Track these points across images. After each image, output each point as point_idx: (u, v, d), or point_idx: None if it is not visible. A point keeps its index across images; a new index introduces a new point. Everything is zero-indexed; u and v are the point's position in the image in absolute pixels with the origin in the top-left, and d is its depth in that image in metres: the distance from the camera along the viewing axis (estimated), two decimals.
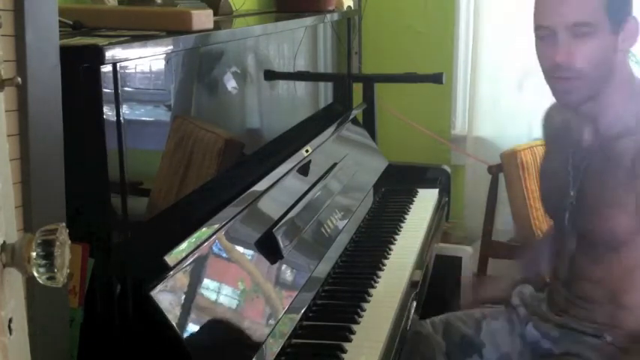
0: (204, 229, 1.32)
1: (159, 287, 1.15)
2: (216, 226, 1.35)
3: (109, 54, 1.08)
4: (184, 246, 1.25)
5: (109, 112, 1.10)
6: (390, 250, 1.95)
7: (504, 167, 2.73)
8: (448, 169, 2.62)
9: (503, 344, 1.80)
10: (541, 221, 2.69)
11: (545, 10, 1.54)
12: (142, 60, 1.22)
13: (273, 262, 1.49)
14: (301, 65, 2.14)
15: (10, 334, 0.68)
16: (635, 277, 1.53)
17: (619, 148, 1.55)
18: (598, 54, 1.51)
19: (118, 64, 1.11)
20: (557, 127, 1.76)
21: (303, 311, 1.50)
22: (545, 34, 1.54)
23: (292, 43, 2.07)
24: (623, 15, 1.53)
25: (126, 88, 1.16)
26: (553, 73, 1.55)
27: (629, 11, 1.55)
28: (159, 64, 1.30)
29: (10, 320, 0.68)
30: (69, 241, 0.71)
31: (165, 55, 1.29)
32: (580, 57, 1.50)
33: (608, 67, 1.53)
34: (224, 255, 1.37)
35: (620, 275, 1.57)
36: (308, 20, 2.18)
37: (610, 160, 1.56)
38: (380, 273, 1.79)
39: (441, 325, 1.84)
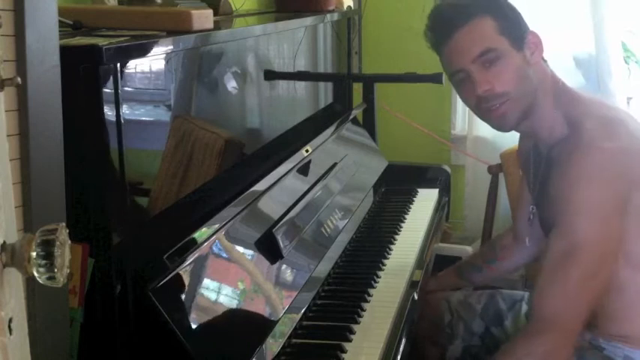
0: (204, 229, 1.32)
1: (159, 287, 1.15)
2: (216, 226, 1.36)
3: (109, 54, 1.08)
4: (184, 246, 1.25)
5: (109, 112, 1.10)
6: (390, 250, 1.95)
7: (504, 167, 2.72)
8: (448, 169, 2.62)
9: (521, 323, 1.87)
10: None
11: (450, 56, 1.59)
12: (142, 60, 1.22)
13: (273, 262, 1.49)
14: (301, 65, 2.14)
15: (10, 333, 0.68)
16: None
17: (556, 154, 1.57)
18: (513, 73, 1.55)
19: (118, 64, 1.11)
20: (523, 150, 1.80)
21: (303, 311, 1.51)
22: (461, 78, 1.59)
23: (292, 43, 2.07)
24: (520, 33, 1.58)
25: (126, 88, 1.16)
26: (481, 106, 1.58)
27: (524, 28, 1.60)
28: (159, 64, 1.30)
29: (10, 320, 0.68)
30: (69, 241, 0.71)
31: (165, 55, 1.29)
32: (498, 81, 1.54)
33: (528, 82, 1.57)
34: (224, 255, 1.37)
35: None
36: (308, 20, 2.18)
37: (552, 169, 1.58)
38: (380, 273, 1.79)
39: (484, 295, 1.97)
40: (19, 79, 0.71)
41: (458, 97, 3.43)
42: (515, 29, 1.57)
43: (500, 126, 1.62)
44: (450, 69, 1.61)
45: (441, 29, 1.59)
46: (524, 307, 1.86)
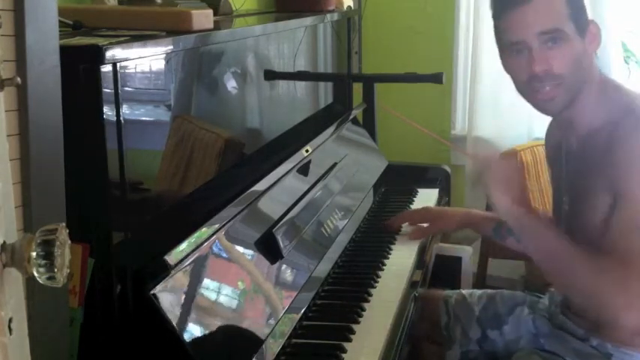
0: (204, 229, 1.32)
1: (159, 287, 1.15)
2: (216, 226, 1.36)
3: (109, 54, 1.08)
4: (184, 246, 1.25)
5: (109, 112, 1.11)
6: (390, 250, 1.94)
7: None
8: (448, 169, 2.62)
9: (522, 328, 1.85)
10: None
11: (514, 25, 1.56)
12: (142, 60, 1.22)
13: (273, 262, 1.49)
14: (301, 65, 2.14)
15: (10, 334, 0.68)
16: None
17: (593, 143, 1.56)
18: (573, 58, 1.54)
19: (118, 64, 1.11)
20: (552, 142, 1.78)
21: (303, 311, 1.50)
22: (518, 49, 1.56)
23: (292, 43, 2.07)
24: (585, 20, 1.57)
25: (126, 88, 1.16)
26: (532, 85, 1.56)
27: (587, 16, 1.60)
28: (159, 64, 1.30)
29: (10, 320, 0.68)
30: (69, 241, 0.71)
31: (165, 55, 1.30)
32: (557, 63, 1.52)
33: (582, 71, 1.56)
34: (224, 255, 1.37)
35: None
36: (308, 20, 2.18)
37: (586, 157, 1.57)
38: (380, 273, 1.79)
39: (484, 296, 1.93)
40: (19, 79, 0.71)
41: (458, 96, 3.44)
42: (582, 15, 1.56)
43: (546, 109, 1.61)
44: (509, 38, 1.57)
45: None
46: (526, 311, 1.85)
